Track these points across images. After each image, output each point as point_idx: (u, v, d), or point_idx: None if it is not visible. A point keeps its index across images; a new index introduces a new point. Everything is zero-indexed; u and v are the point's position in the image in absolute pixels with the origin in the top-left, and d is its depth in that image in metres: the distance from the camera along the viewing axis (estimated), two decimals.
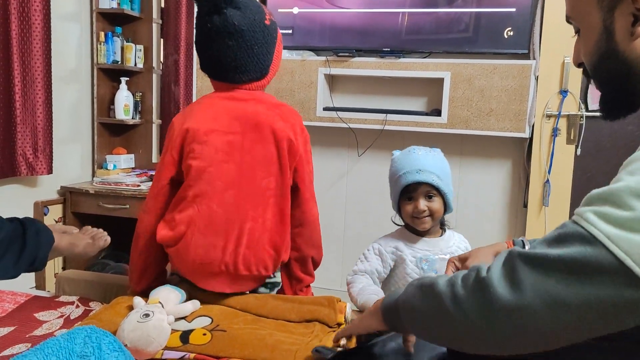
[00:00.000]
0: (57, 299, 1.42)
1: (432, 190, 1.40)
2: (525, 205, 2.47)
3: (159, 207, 1.29)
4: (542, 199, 2.40)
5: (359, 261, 1.48)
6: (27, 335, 1.20)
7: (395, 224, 1.54)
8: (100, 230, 1.40)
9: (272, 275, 1.35)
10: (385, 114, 2.52)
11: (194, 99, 2.76)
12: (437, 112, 2.48)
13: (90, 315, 1.24)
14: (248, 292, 1.31)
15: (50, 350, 0.76)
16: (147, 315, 1.05)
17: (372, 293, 1.34)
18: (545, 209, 2.38)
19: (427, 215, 1.41)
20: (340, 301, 1.24)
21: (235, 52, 1.24)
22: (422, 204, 1.40)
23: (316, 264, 1.40)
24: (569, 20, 0.83)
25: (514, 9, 2.34)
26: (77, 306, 1.38)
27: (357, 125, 2.58)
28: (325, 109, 2.62)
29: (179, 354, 1.09)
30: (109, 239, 1.40)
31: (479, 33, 2.42)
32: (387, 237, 1.51)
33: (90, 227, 1.41)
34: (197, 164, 1.22)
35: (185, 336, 1.13)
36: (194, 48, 2.70)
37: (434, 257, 1.43)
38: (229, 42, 1.23)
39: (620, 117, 0.81)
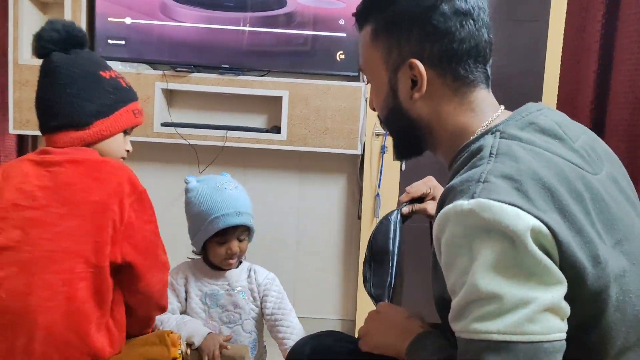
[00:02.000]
0: None
1: (245, 231, 1.43)
2: (360, 217, 2.64)
3: None
4: (373, 210, 2.59)
5: None
6: None
7: (190, 258, 1.52)
8: None
9: None
10: (226, 131, 2.52)
11: (10, 113, 2.47)
12: (277, 130, 2.54)
13: None
14: None
15: None
16: None
17: (193, 325, 1.33)
18: (376, 220, 2.57)
19: (237, 256, 1.43)
20: (172, 334, 1.21)
21: (46, 91, 1.15)
22: (236, 246, 1.41)
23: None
24: (361, 70, 0.92)
25: (344, 34, 2.50)
26: None
27: (198, 141, 2.53)
28: (163, 124, 2.53)
29: None
30: None
31: (314, 55, 2.53)
32: (179, 268, 1.49)
33: None
34: None
35: None
36: (9, 54, 2.43)
37: (220, 292, 1.46)
38: (44, 79, 1.16)
39: (409, 159, 0.94)
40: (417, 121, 0.85)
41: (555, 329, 0.63)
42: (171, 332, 1.21)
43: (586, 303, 0.68)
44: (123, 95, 1.24)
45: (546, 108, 0.85)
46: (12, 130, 2.51)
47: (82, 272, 1.06)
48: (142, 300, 1.19)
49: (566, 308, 0.66)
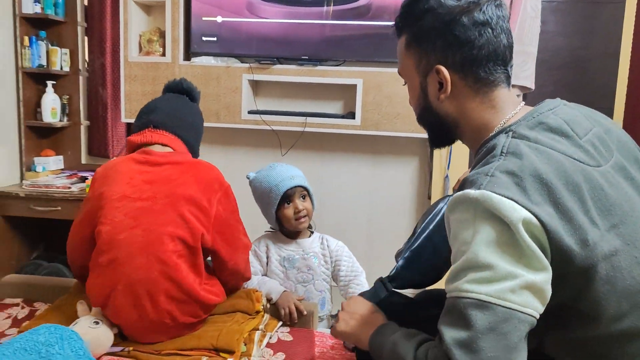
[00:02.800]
0: (1, 302, 1.56)
1: (303, 191, 1.68)
2: (430, 197, 2.79)
3: (85, 257, 1.36)
4: (443, 191, 2.73)
5: None
6: None
7: (267, 231, 1.78)
8: None
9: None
10: (305, 117, 2.75)
11: (122, 102, 2.86)
12: (352, 115, 2.74)
13: (37, 316, 1.39)
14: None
15: (19, 344, 0.93)
16: (97, 322, 1.24)
17: (271, 284, 1.59)
18: None
19: (305, 214, 1.67)
20: (256, 291, 1.47)
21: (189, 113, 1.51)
22: (300, 203, 1.66)
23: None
24: (399, 74, 1.06)
25: None
26: (22, 307, 1.53)
27: (280, 127, 2.79)
28: (250, 112, 2.81)
29: (119, 348, 1.29)
30: None
31: (387, 44, 2.69)
32: (261, 238, 1.75)
33: None
34: (108, 230, 1.27)
35: (123, 334, 1.32)
36: (121, 53, 2.80)
37: (296, 256, 1.70)
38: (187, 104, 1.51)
39: (444, 147, 1.09)
40: (444, 118, 0.98)
41: (530, 305, 0.76)
42: (256, 290, 1.47)
43: (575, 277, 0.81)
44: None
45: (561, 105, 0.95)
46: (124, 119, 2.91)
47: (182, 250, 1.29)
48: (231, 275, 1.44)
49: (546, 292, 0.78)
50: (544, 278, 0.77)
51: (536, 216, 0.78)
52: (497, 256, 0.77)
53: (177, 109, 1.48)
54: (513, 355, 0.75)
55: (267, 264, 1.69)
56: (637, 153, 0.97)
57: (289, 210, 1.67)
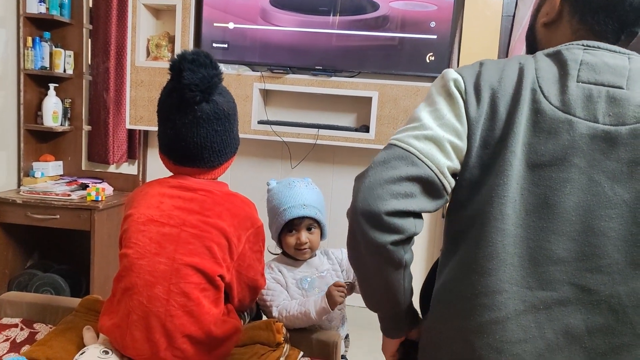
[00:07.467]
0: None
1: (313, 223, 1.55)
2: (444, 216, 2.69)
3: None
4: None
5: (269, 296, 1.52)
6: None
7: (272, 252, 1.65)
8: None
9: None
10: (317, 129, 2.66)
11: (127, 109, 2.76)
12: (366, 129, 2.64)
13: (40, 341, 1.28)
14: None
15: None
16: (106, 352, 1.12)
17: (311, 300, 1.47)
18: None
19: (308, 247, 1.54)
20: (277, 322, 1.35)
21: (221, 136, 1.25)
22: (304, 236, 1.52)
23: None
24: None
25: (435, 36, 2.56)
26: (22, 329, 1.41)
27: (291, 139, 2.69)
28: (260, 122, 2.71)
29: None
30: None
31: (404, 56, 2.61)
32: (272, 265, 1.60)
33: None
34: (130, 253, 1.18)
35: None
36: (127, 57, 2.68)
37: (313, 277, 1.58)
38: (217, 127, 1.24)
39: None
40: (536, 41, 0.96)
41: (430, 156, 0.80)
42: (276, 321, 1.36)
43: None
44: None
45: (605, 51, 0.85)
46: (128, 125, 2.80)
47: (205, 284, 1.19)
48: (238, 305, 1.35)
49: (448, 151, 0.82)
50: (448, 136, 0.82)
51: (464, 80, 0.85)
52: (424, 111, 0.85)
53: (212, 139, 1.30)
54: (392, 186, 0.79)
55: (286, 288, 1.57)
56: None
57: (291, 239, 1.54)
